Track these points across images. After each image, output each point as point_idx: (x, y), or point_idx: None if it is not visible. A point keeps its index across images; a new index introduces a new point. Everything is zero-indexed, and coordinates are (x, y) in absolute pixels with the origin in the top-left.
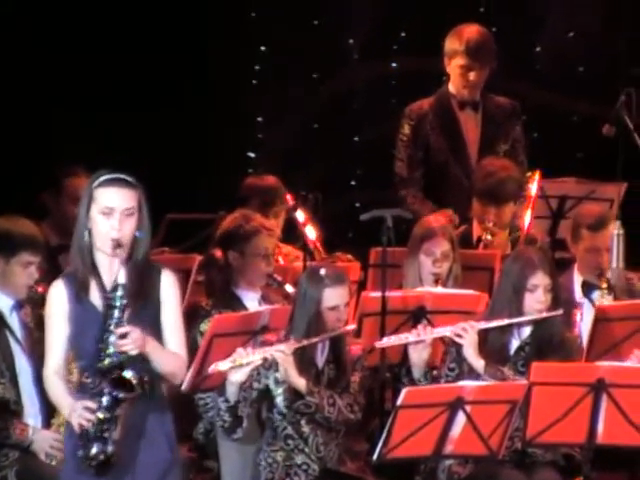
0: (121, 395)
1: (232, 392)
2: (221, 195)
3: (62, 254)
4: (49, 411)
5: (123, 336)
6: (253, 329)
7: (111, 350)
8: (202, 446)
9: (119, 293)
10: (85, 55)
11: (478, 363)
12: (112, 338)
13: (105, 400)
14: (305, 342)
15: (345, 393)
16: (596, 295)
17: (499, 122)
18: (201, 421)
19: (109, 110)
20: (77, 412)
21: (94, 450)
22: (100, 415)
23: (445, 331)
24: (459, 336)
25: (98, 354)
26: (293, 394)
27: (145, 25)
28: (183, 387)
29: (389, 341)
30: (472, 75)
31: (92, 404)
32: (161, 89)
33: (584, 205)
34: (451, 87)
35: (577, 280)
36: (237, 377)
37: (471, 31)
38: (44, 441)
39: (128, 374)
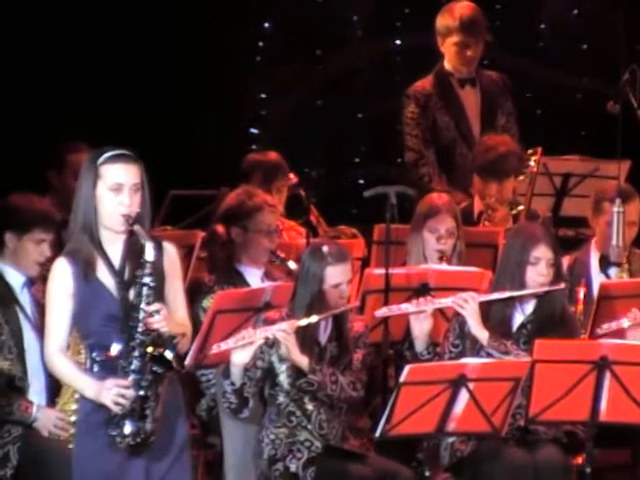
0: (162, 371)
1: (237, 374)
2: (224, 171)
3: (65, 230)
4: (54, 389)
5: (152, 314)
6: (256, 306)
7: (141, 327)
8: (205, 423)
9: (147, 271)
10: (86, 41)
11: (482, 334)
12: (142, 315)
13: (145, 377)
14: (306, 321)
15: (348, 370)
16: (613, 271)
17: (494, 96)
18: (203, 398)
19: (113, 88)
20: (112, 391)
21: (129, 428)
22: (141, 392)
23: (446, 302)
24: (460, 307)
25: (122, 328)
26: (296, 372)
27: (152, 8)
28: (186, 363)
29: (389, 311)
30: (469, 51)
31: (126, 383)
32: (168, 69)
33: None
34: (447, 65)
35: (594, 256)
36: (240, 358)
37: (462, 7)
38: (48, 419)
39: (169, 354)
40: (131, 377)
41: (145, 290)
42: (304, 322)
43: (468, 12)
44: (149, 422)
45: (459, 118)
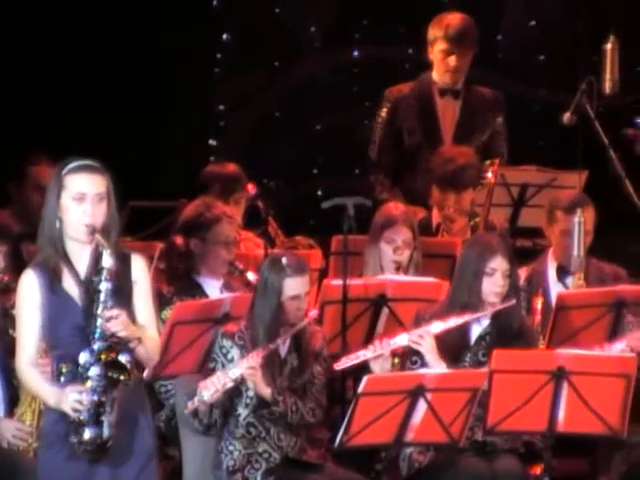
0: (116, 376)
1: (203, 412)
2: (182, 182)
3: (24, 242)
4: (13, 401)
5: (110, 319)
6: (215, 317)
7: (98, 334)
8: (163, 434)
9: (104, 276)
10: (54, 51)
11: (440, 366)
12: (99, 321)
13: (101, 383)
14: (272, 347)
15: (309, 395)
16: (570, 281)
17: (479, 113)
18: (162, 409)
19: (72, 102)
20: (69, 397)
21: (88, 435)
22: (95, 398)
23: (402, 341)
24: (417, 343)
25: (87, 338)
26: (259, 400)
27: (109, 17)
28: (145, 375)
29: (348, 362)
30: (452, 60)
31: (83, 388)
32: (125, 79)
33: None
34: (434, 74)
35: (551, 266)
36: (211, 399)
37: (452, 18)
38: (7, 430)
39: (123, 358)
40: (88, 383)
41: (102, 296)
42: (267, 351)
43: (456, 22)
44: (105, 427)
45: (429, 125)
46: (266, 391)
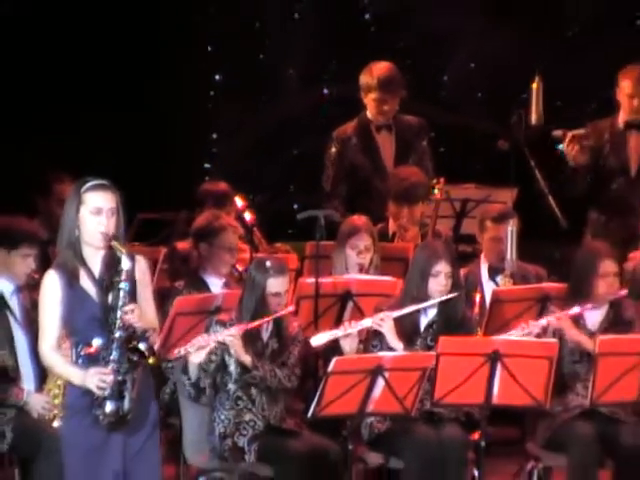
0: (137, 359)
1: (193, 371)
2: (182, 198)
3: (50, 247)
4: (42, 378)
5: (128, 312)
6: (209, 309)
7: (119, 323)
8: (167, 405)
9: (123, 277)
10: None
11: (398, 345)
12: (119, 314)
13: (122, 365)
14: (250, 325)
15: (284, 366)
16: (500, 279)
17: (408, 139)
18: (166, 384)
19: (91, 130)
20: (94, 377)
21: (109, 407)
22: (120, 378)
23: (367, 323)
24: (379, 325)
25: (109, 328)
26: (242, 368)
27: (120, 57)
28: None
29: (321, 338)
30: (386, 106)
31: (107, 370)
32: (139, 117)
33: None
34: (369, 114)
35: (484, 266)
36: (196, 358)
37: (380, 67)
38: (37, 403)
39: (142, 345)
40: (111, 365)
41: (122, 293)
42: (248, 327)
43: (385, 72)
44: (127, 402)
45: (374, 158)
46: (246, 357)
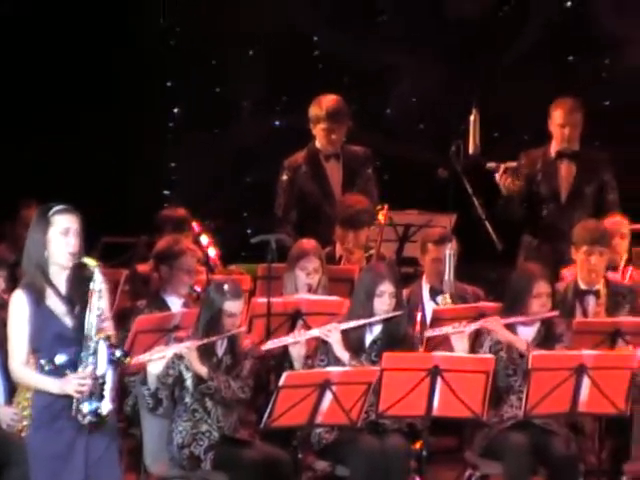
0: (117, 358)
1: (152, 381)
2: (143, 223)
3: (18, 268)
4: (11, 391)
5: (104, 320)
6: (168, 327)
7: (95, 334)
8: (129, 417)
9: (97, 288)
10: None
11: (343, 355)
12: (95, 322)
13: (101, 368)
14: (205, 341)
15: (238, 378)
16: (440, 299)
17: (355, 167)
18: (129, 397)
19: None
20: (74, 381)
21: (90, 407)
22: (99, 380)
23: (315, 332)
24: (326, 335)
25: (84, 338)
26: (198, 379)
27: (85, 90)
28: None
29: (272, 344)
30: (333, 135)
31: (84, 374)
32: (104, 147)
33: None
34: (318, 144)
35: (425, 287)
36: (155, 369)
37: (328, 100)
38: (6, 415)
39: (118, 352)
40: (88, 369)
41: (96, 303)
42: (203, 342)
43: (333, 104)
44: (106, 402)
45: (323, 185)
46: (202, 369)
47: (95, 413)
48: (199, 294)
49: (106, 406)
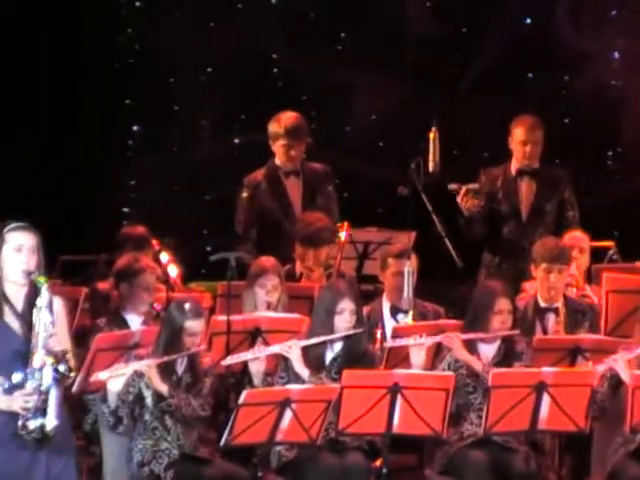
0: (57, 379)
1: (112, 399)
2: (103, 242)
3: None
4: None
5: (49, 336)
6: (128, 345)
7: (42, 350)
8: (88, 435)
9: (45, 305)
10: None
11: (303, 372)
12: (41, 338)
13: (43, 384)
14: (165, 359)
15: (198, 396)
16: (400, 317)
17: (315, 184)
18: (88, 415)
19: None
20: (20, 398)
21: (34, 425)
22: (42, 396)
23: (275, 349)
24: (286, 352)
25: (24, 361)
26: (158, 397)
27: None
28: (73, 389)
29: (232, 360)
30: (293, 152)
31: (28, 390)
32: (62, 165)
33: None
34: (277, 161)
35: (385, 305)
36: (115, 386)
37: (287, 117)
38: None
39: (62, 367)
40: (33, 385)
41: (42, 319)
42: (163, 360)
43: (292, 121)
44: (50, 418)
45: (283, 202)
46: (162, 386)
47: (40, 430)
48: (159, 312)
49: (50, 422)
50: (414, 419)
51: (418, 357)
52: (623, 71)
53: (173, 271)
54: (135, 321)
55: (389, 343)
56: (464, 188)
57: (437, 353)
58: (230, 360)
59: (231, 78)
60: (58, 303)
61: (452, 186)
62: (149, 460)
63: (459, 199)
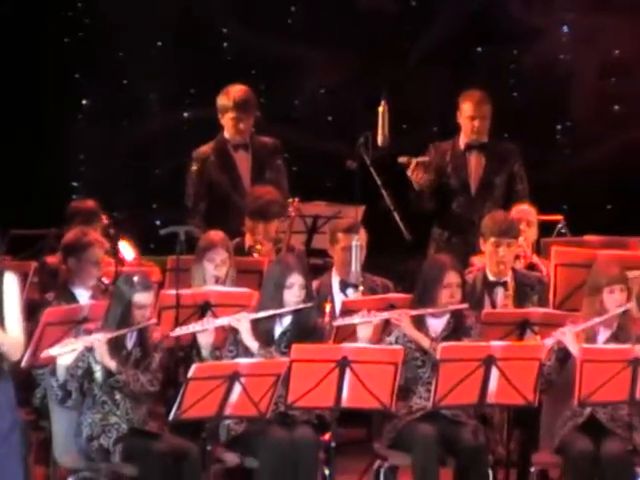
0: None
1: (61, 373)
2: (52, 215)
3: None
4: None
5: None
6: (77, 319)
7: None
8: (38, 409)
9: None
10: None
11: (253, 345)
12: None
13: None
14: (115, 333)
15: (147, 371)
16: (350, 292)
17: (264, 157)
18: (37, 389)
19: None
20: None
21: None
22: None
23: (224, 321)
24: (236, 323)
25: None
26: (107, 372)
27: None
28: (22, 364)
29: (181, 331)
30: (241, 125)
31: None
32: (10, 139)
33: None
34: (226, 134)
35: (335, 279)
36: (64, 361)
37: (236, 90)
38: None
39: None
40: None
41: None
42: (113, 334)
43: (241, 94)
44: None
45: (232, 175)
46: (111, 362)
47: None
48: (107, 286)
49: None
50: (363, 393)
51: (364, 331)
52: (572, 45)
53: (130, 254)
54: (83, 295)
55: (338, 322)
56: (414, 161)
57: (385, 327)
58: (179, 331)
59: (181, 52)
60: (10, 278)
61: (402, 159)
62: (98, 434)
63: (409, 172)
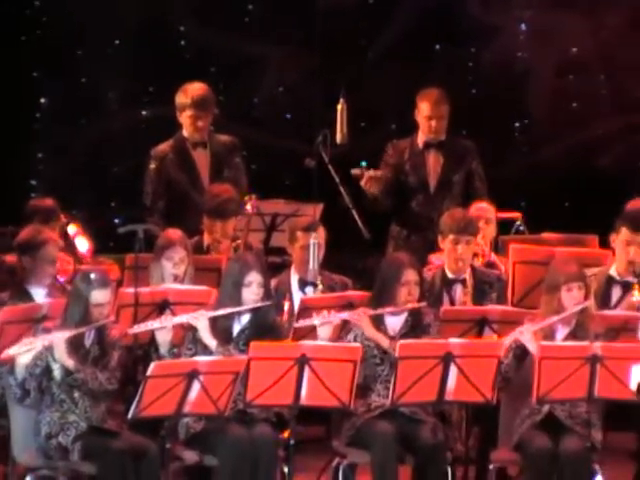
0: None
1: (20, 371)
2: (10, 214)
3: None
4: None
5: None
6: (35, 317)
7: None
8: None
9: None
10: None
11: (211, 343)
12: None
13: None
14: (74, 332)
15: (105, 369)
16: (309, 290)
17: (222, 155)
18: None
19: None
20: None
21: None
22: None
23: (182, 318)
24: (194, 320)
25: None
26: (65, 370)
27: None
28: None
29: (139, 328)
30: (200, 123)
31: None
32: None
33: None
34: (184, 132)
35: (294, 277)
36: (23, 359)
37: (194, 88)
38: None
39: None
40: None
41: None
42: (72, 333)
43: (199, 92)
44: None
45: (191, 174)
46: (69, 361)
47: None
48: (63, 284)
49: None
50: (321, 391)
51: (324, 331)
52: (530, 43)
53: (84, 245)
54: (39, 294)
55: (299, 324)
56: (367, 174)
57: (343, 326)
58: (137, 328)
59: (139, 50)
60: None
61: (355, 171)
62: (57, 432)
63: (362, 183)
